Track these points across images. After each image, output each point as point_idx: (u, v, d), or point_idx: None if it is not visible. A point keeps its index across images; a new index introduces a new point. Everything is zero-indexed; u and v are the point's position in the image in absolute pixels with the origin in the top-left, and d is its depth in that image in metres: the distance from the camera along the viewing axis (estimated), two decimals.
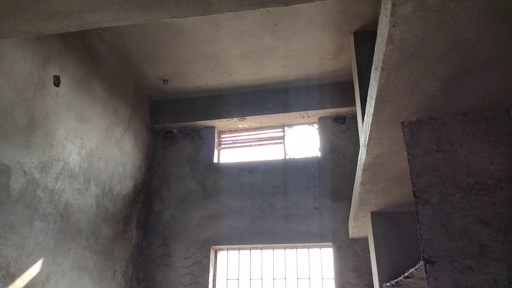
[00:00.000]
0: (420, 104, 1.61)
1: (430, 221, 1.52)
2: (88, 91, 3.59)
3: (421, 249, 1.49)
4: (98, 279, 3.49)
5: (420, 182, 1.59)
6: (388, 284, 2.52)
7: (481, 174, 1.55)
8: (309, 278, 4.19)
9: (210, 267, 4.31)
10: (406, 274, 1.93)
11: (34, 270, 2.71)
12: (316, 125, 4.91)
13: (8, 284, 2.50)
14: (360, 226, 3.50)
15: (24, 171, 2.75)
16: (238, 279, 4.35)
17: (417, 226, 1.53)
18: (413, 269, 1.76)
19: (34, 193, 2.82)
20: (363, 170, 2.24)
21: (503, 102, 1.59)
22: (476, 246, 1.44)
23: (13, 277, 2.54)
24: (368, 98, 1.77)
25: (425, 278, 1.45)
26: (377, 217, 3.03)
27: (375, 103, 1.59)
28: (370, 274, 3.64)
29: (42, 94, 3.01)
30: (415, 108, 1.64)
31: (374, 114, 1.66)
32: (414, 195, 1.58)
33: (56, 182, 3.07)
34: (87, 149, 3.53)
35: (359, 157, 2.38)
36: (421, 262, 1.51)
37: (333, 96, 4.64)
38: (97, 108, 3.72)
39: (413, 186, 1.60)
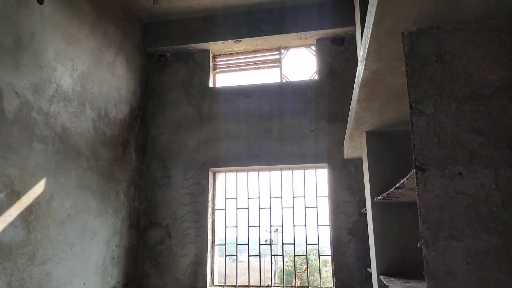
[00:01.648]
0: (422, 12, 1.54)
1: (424, 131, 1.54)
2: (74, 11, 3.41)
3: (413, 159, 1.53)
4: (102, 199, 3.63)
5: (417, 93, 1.58)
6: (379, 197, 2.64)
7: (479, 84, 1.54)
8: (304, 197, 4.38)
9: (209, 187, 4.47)
10: (397, 185, 2.01)
11: (38, 189, 2.80)
12: (313, 47, 4.77)
13: (14, 201, 2.59)
14: (355, 146, 3.57)
15: (17, 93, 2.71)
16: (236, 199, 4.55)
17: (411, 137, 1.56)
18: (404, 179, 1.83)
19: (29, 115, 2.81)
20: (360, 87, 2.22)
21: (508, 10, 1.53)
22: (467, 153, 1.48)
23: (18, 195, 2.63)
24: (369, 7, 1.69)
25: (416, 185, 1.51)
26: (372, 136, 3.08)
27: (376, 11, 1.52)
28: (362, 192, 3.81)
29: (26, 13, 2.85)
30: (417, 17, 1.57)
31: (374, 24, 1.60)
32: (410, 107, 1.58)
33: (50, 105, 3.04)
34: (79, 72, 3.45)
35: (356, 75, 2.35)
36: (413, 171, 1.56)
37: (332, 16, 4.45)
38: (85, 29, 3.57)
39: (409, 97, 1.59)
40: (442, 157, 1.50)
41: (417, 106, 1.58)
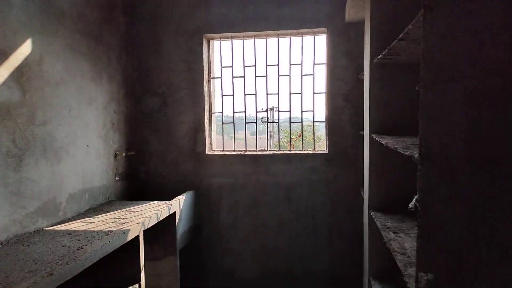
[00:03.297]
0: None
1: None
2: None
3: None
4: (94, 62, 3.54)
5: None
6: (379, 56, 2.57)
7: None
8: (301, 64, 4.30)
9: (204, 55, 4.34)
10: (400, 36, 1.93)
11: (25, 49, 2.69)
12: None
13: (3, 61, 2.51)
14: (358, 6, 3.35)
15: None
16: (232, 67, 4.46)
17: None
18: (409, 26, 1.74)
19: None
20: None
21: None
22: None
23: (5, 54, 2.53)
24: None
25: (422, 27, 1.43)
26: None
27: None
28: (361, 58, 3.71)
29: None
30: None
31: None
32: None
33: None
34: None
35: None
36: (421, 12, 1.46)
37: None
38: None
39: None
40: None
41: None
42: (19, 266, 2.10)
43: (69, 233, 2.72)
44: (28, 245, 2.47)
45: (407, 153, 1.71)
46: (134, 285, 2.87)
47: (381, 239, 2.63)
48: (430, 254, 1.48)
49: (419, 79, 1.49)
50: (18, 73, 2.63)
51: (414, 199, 1.48)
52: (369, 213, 2.95)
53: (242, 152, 4.37)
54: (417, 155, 1.49)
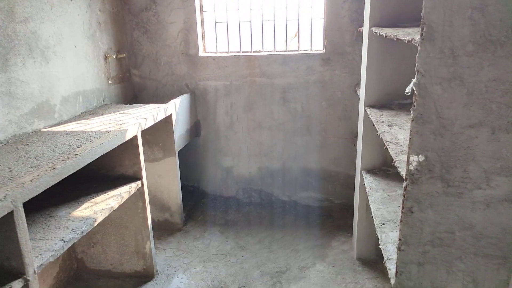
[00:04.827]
0: None
1: None
2: None
3: None
4: None
5: None
6: None
7: None
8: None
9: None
10: None
11: None
12: None
13: None
14: None
15: None
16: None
17: None
18: None
19: None
20: None
21: None
22: None
23: None
24: None
25: None
26: None
27: None
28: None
29: None
30: None
31: None
32: None
33: None
34: None
35: None
36: None
37: None
38: None
39: None
40: None
41: None
42: (21, 162, 2.15)
43: (67, 133, 2.75)
44: (27, 144, 2.50)
45: (407, 38, 1.64)
46: (137, 182, 3.00)
47: (375, 133, 2.68)
48: (423, 137, 1.50)
49: None
50: None
51: (412, 83, 1.46)
52: (365, 110, 2.97)
53: (237, 54, 4.23)
54: (418, 37, 1.43)
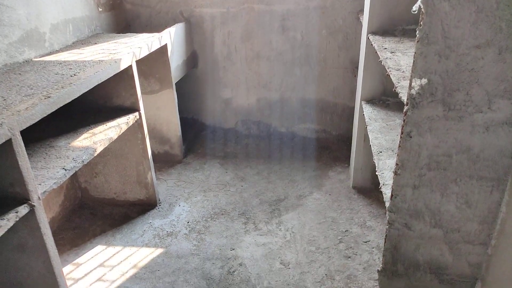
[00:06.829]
0: None
1: None
2: None
3: None
4: None
5: None
6: None
7: None
8: None
9: None
10: None
11: None
12: None
13: None
14: None
15: None
16: None
17: None
18: None
19: None
20: None
21: None
22: None
23: None
24: None
25: None
26: None
27: None
28: None
29: None
30: None
31: None
32: None
33: None
34: None
35: None
36: None
37: None
38: None
39: None
40: None
41: None
42: (15, 91, 2.11)
43: (59, 63, 2.66)
44: (20, 73, 2.43)
45: None
46: (134, 113, 2.98)
47: (376, 61, 2.61)
48: (427, 59, 1.45)
49: None
50: None
51: (419, 0, 1.38)
52: (367, 37, 2.86)
53: None
54: None
